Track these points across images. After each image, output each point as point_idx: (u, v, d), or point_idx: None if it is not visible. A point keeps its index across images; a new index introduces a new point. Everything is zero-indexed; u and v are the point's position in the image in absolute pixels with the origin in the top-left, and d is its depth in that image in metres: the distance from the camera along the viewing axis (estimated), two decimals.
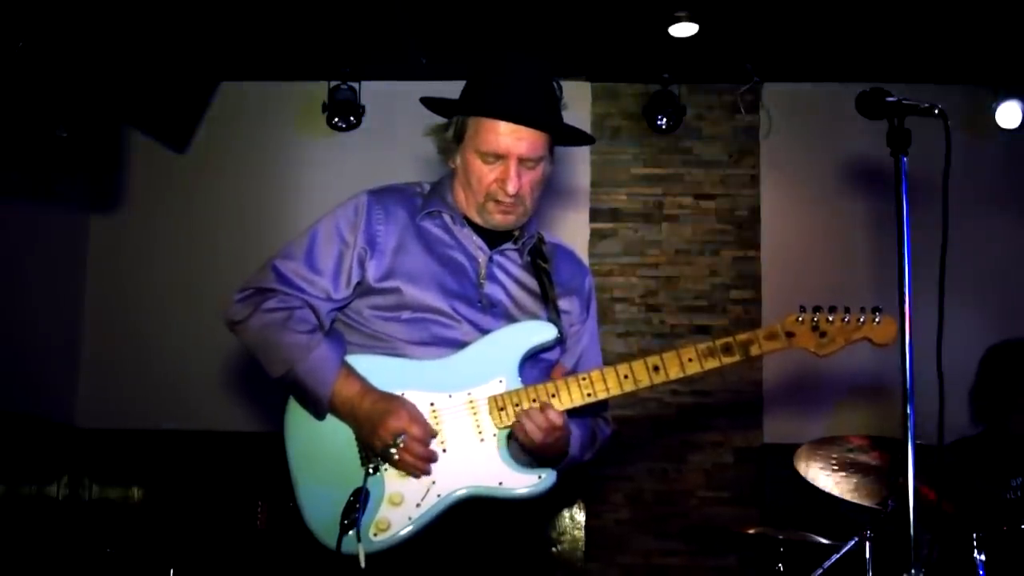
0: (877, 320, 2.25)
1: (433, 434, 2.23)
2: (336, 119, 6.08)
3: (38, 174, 5.28)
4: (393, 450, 2.16)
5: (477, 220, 2.41)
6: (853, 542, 3.47)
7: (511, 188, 2.30)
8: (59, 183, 5.46)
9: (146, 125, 5.81)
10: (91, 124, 5.13)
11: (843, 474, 3.61)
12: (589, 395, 2.26)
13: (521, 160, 2.31)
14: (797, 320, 2.27)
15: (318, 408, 2.27)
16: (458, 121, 2.37)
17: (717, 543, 5.65)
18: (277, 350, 2.29)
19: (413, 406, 2.23)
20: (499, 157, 2.31)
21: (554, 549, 5.83)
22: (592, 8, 5.30)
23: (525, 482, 2.22)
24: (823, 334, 2.26)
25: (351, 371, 2.28)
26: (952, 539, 3.38)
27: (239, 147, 6.25)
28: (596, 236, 6.16)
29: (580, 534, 5.91)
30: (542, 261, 2.46)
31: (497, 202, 2.34)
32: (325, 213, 2.44)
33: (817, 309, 2.26)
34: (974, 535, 3.23)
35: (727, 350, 2.25)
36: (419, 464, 2.19)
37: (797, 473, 3.66)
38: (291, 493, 2.29)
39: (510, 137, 2.29)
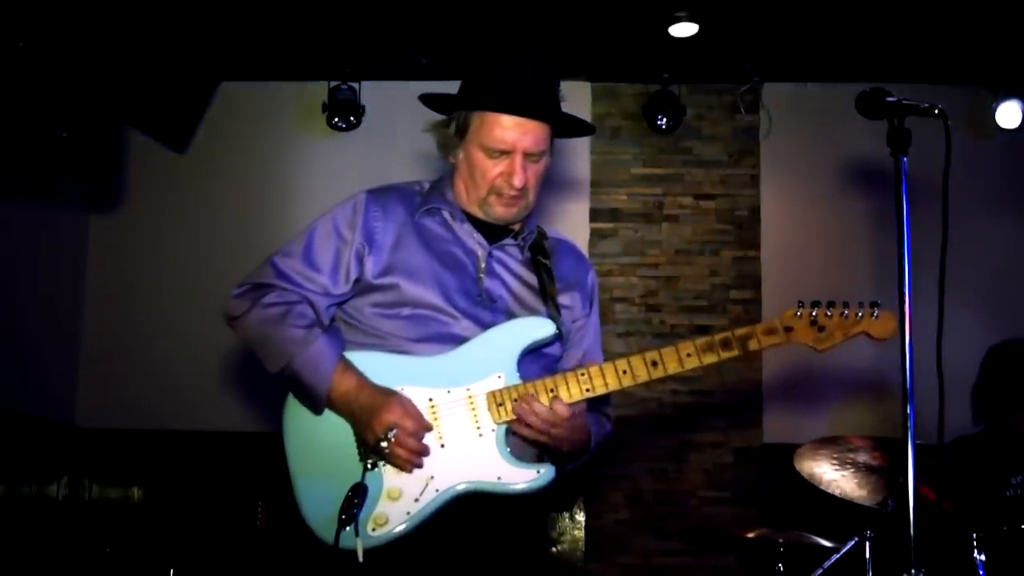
0: (875, 315, 2.25)
1: (428, 428, 2.23)
2: (336, 119, 6.08)
3: (38, 174, 5.28)
4: (384, 443, 2.15)
5: (478, 214, 2.41)
6: (853, 542, 3.46)
7: (517, 182, 2.31)
8: (59, 183, 5.46)
9: (146, 125, 5.81)
10: (91, 124, 5.14)
11: (843, 474, 3.61)
12: (588, 390, 2.26)
13: (526, 154, 2.31)
14: (795, 315, 2.27)
15: (315, 402, 2.28)
16: (460, 116, 2.36)
17: (717, 543, 5.64)
18: (275, 344, 2.29)
19: (408, 400, 2.23)
20: (504, 152, 2.31)
21: (554, 549, 5.83)
22: (592, 8, 5.30)
23: (523, 477, 2.22)
24: (821, 328, 2.26)
25: (348, 366, 2.28)
26: (952, 539, 3.37)
27: (239, 147, 6.25)
28: (596, 236, 6.16)
29: (580, 534, 5.91)
30: (542, 256, 2.46)
31: (500, 195, 2.35)
32: (323, 212, 2.44)
33: (815, 304, 2.27)
34: (974, 535, 3.22)
35: (726, 345, 2.25)
36: (410, 458, 2.19)
37: (797, 473, 3.65)
38: (290, 492, 2.29)
39: (515, 131, 2.29)
